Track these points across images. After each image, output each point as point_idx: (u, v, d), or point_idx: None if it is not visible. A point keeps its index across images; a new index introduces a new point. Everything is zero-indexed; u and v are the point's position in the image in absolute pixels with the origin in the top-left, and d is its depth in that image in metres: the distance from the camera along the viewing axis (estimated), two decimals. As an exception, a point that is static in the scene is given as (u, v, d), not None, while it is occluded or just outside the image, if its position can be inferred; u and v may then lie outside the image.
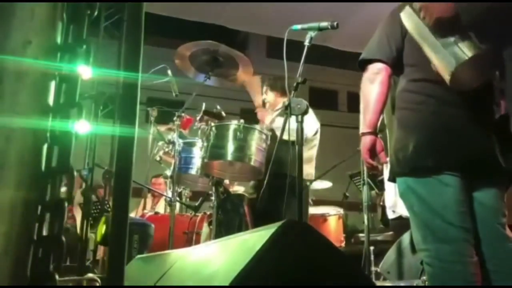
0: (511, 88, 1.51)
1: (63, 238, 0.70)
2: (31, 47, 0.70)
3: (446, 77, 1.57)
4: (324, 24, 2.37)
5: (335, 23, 2.36)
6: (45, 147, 0.71)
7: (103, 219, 3.15)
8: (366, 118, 1.84)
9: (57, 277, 0.68)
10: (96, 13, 0.80)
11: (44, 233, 0.70)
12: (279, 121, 3.27)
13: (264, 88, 3.74)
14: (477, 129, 1.69)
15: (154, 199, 5.56)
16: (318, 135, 3.61)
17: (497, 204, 1.71)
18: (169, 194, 4.16)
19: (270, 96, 3.70)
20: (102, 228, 3.11)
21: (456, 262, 1.59)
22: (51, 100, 0.73)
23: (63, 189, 0.76)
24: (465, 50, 1.51)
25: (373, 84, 1.82)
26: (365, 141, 1.85)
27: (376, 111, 1.82)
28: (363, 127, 1.86)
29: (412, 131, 1.74)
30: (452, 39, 1.53)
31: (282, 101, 3.61)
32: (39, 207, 0.69)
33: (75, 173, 0.79)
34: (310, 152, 3.43)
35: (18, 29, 0.70)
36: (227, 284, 1.14)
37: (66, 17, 0.75)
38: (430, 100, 1.74)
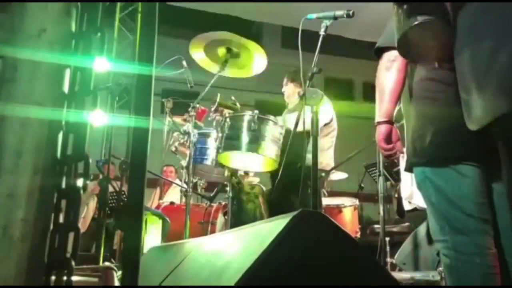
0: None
1: (79, 226, 0.71)
2: (46, 35, 0.70)
3: (396, 38, 1.54)
4: (339, 12, 2.34)
5: (350, 12, 2.33)
6: (60, 135, 0.72)
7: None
8: (381, 106, 1.82)
9: (73, 263, 0.68)
10: (110, 1, 0.79)
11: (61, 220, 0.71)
12: (291, 119, 3.27)
13: (285, 80, 3.75)
14: None
15: (164, 186, 5.65)
16: (334, 124, 3.59)
17: None
18: (180, 183, 4.19)
19: (289, 88, 3.72)
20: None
21: (474, 254, 1.56)
22: (66, 88, 0.73)
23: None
24: (410, 20, 1.47)
25: (389, 71, 1.79)
26: (381, 130, 1.82)
27: (392, 99, 1.79)
28: (378, 116, 1.83)
29: (430, 120, 1.71)
30: (400, 10, 1.49)
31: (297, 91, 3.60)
32: (55, 194, 0.70)
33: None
34: (323, 141, 3.41)
35: (32, 17, 0.70)
36: (241, 273, 1.14)
37: (81, 5, 0.75)
38: (449, 89, 1.70)
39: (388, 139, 1.81)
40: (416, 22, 1.41)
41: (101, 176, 3.60)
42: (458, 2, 1.43)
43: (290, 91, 3.70)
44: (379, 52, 1.85)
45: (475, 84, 1.37)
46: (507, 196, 1.48)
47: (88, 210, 5.67)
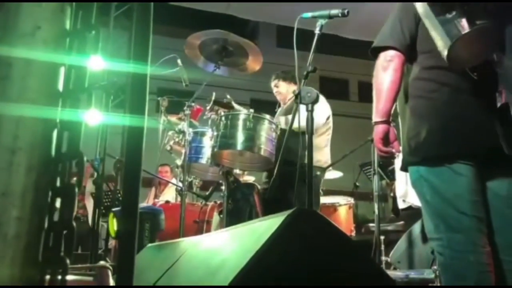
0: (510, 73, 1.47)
1: (74, 224, 0.70)
2: (40, 32, 0.70)
3: (444, 53, 1.55)
4: (334, 11, 2.35)
5: (345, 11, 2.33)
6: (55, 132, 0.72)
7: (111, 214, 3.18)
8: (378, 106, 1.82)
9: (68, 261, 0.68)
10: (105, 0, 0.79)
11: (55, 218, 0.70)
12: (282, 120, 3.28)
13: (275, 82, 3.77)
14: (489, 118, 1.66)
15: (160, 186, 5.64)
16: (330, 123, 3.60)
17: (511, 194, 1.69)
18: (176, 182, 4.18)
19: (282, 87, 3.73)
20: (113, 223, 3.15)
21: (469, 252, 1.57)
22: (60, 85, 0.73)
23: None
24: (461, 27, 1.48)
25: (386, 71, 1.79)
26: (378, 130, 1.82)
27: (389, 99, 1.80)
28: (375, 116, 1.83)
29: (425, 119, 1.72)
30: (449, 16, 1.50)
31: (292, 90, 3.62)
32: (50, 193, 0.70)
33: (86, 162, 0.79)
34: (319, 139, 3.42)
35: (27, 14, 0.70)
36: (236, 271, 1.14)
37: (75, 3, 0.75)
38: (443, 88, 1.72)
39: (385, 138, 1.82)
40: (475, 27, 1.42)
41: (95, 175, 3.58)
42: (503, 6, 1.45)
43: (284, 90, 3.72)
44: (376, 52, 1.85)
45: None
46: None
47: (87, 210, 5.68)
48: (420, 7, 1.68)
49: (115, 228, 3.13)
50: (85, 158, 0.73)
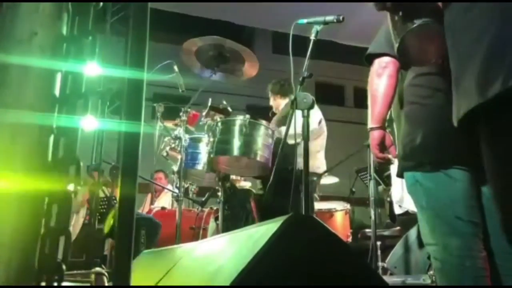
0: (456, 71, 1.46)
1: (71, 230, 0.70)
2: (37, 38, 0.70)
3: (395, 49, 1.55)
4: (330, 17, 2.36)
5: (341, 17, 2.35)
6: (51, 138, 0.72)
7: (111, 213, 3.17)
8: (374, 112, 1.83)
9: (64, 268, 0.68)
10: (101, 5, 0.79)
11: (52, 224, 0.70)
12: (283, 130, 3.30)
13: (269, 94, 3.86)
14: None
15: (156, 192, 5.63)
16: (323, 127, 3.62)
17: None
18: (171, 188, 4.17)
19: (271, 100, 3.82)
20: (110, 221, 3.13)
21: (465, 257, 1.58)
22: (57, 91, 0.73)
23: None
24: (407, 25, 1.49)
25: (380, 78, 1.80)
26: (374, 136, 1.83)
27: (384, 105, 1.81)
28: (371, 122, 1.84)
29: (420, 125, 1.73)
30: (396, 18, 1.51)
31: (283, 102, 3.70)
32: (46, 199, 0.70)
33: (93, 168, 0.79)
34: (312, 144, 3.42)
35: (24, 20, 0.70)
36: (233, 278, 1.13)
37: (72, 9, 0.75)
38: (438, 94, 1.72)
39: (382, 144, 1.83)
40: (413, 26, 1.43)
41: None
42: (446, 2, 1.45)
43: (275, 104, 3.80)
44: (370, 58, 1.87)
45: (456, 80, 1.39)
46: (493, 197, 1.49)
47: (78, 217, 5.61)
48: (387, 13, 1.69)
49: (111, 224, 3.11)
50: (81, 164, 0.73)
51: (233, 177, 3.49)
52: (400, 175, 1.84)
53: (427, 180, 1.69)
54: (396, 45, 1.51)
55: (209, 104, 3.29)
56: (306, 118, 2.16)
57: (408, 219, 3.45)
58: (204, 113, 3.29)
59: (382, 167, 3.99)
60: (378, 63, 1.83)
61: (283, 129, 3.36)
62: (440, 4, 1.47)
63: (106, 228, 3.19)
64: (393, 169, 3.26)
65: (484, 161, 1.38)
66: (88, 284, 1.30)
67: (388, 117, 1.87)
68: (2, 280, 0.65)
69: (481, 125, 1.34)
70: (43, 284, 0.69)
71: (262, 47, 13.65)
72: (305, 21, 2.40)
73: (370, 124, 1.85)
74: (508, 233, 1.45)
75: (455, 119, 1.40)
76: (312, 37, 2.37)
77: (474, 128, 1.37)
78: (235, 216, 3.32)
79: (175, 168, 3.50)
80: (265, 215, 3.16)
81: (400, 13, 1.46)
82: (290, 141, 2.40)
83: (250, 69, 3.49)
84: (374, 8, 1.56)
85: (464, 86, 1.32)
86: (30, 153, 0.69)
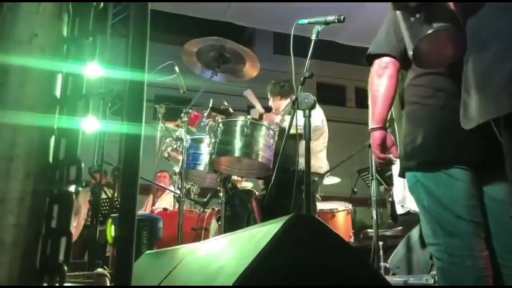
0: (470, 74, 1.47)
1: (71, 230, 0.70)
2: (37, 39, 0.70)
3: (409, 53, 1.55)
4: (330, 18, 2.36)
5: (341, 17, 2.35)
6: (52, 139, 0.72)
7: (110, 220, 3.17)
8: (375, 113, 1.83)
9: (65, 269, 0.68)
10: (101, 5, 0.80)
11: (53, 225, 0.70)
12: (288, 119, 3.29)
13: (269, 94, 3.86)
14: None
15: (157, 192, 5.63)
16: (325, 127, 3.62)
17: (508, 198, 1.69)
18: (174, 189, 4.18)
19: (270, 101, 3.83)
20: (111, 229, 3.14)
21: (466, 256, 1.57)
22: (58, 92, 0.73)
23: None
24: (423, 29, 1.49)
25: (381, 78, 1.80)
26: (375, 137, 1.83)
27: (385, 105, 1.81)
28: (372, 123, 1.84)
29: (421, 125, 1.73)
30: (413, 19, 1.51)
31: (284, 104, 3.70)
32: (47, 199, 0.70)
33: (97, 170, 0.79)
34: (314, 144, 3.42)
35: (24, 21, 0.70)
36: (235, 278, 1.13)
37: (72, 10, 0.75)
38: (439, 94, 1.72)
39: (383, 145, 1.82)
40: (431, 30, 1.43)
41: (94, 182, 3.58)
42: (466, 5, 1.45)
43: (275, 105, 3.81)
44: (370, 59, 1.86)
45: (477, 85, 1.39)
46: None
47: (79, 218, 5.61)
48: (398, 13, 1.70)
49: (113, 234, 3.12)
50: (82, 165, 0.73)
51: (234, 177, 3.49)
52: (401, 175, 1.84)
53: (428, 180, 1.69)
54: (410, 46, 1.51)
55: (210, 105, 3.30)
56: (307, 118, 2.16)
57: (410, 219, 3.45)
58: (205, 114, 3.30)
59: (384, 167, 3.99)
60: (378, 63, 1.83)
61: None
62: (453, 7, 1.47)
63: (109, 237, 3.20)
64: (395, 169, 3.26)
65: (507, 162, 1.39)
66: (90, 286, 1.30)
67: (389, 117, 1.86)
68: (5, 281, 0.65)
69: (500, 125, 1.36)
70: (45, 284, 0.69)
71: (263, 48, 13.65)
72: (306, 21, 2.41)
73: (371, 125, 1.85)
74: None
75: (471, 118, 1.41)
76: (313, 38, 2.37)
77: (481, 127, 1.38)
78: (237, 216, 3.32)
79: (177, 169, 3.51)
80: (267, 216, 3.16)
81: (418, 15, 1.46)
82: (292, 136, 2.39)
83: (251, 70, 3.49)
84: (391, 7, 1.55)
85: (493, 91, 1.33)
86: (31, 154, 0.69)
